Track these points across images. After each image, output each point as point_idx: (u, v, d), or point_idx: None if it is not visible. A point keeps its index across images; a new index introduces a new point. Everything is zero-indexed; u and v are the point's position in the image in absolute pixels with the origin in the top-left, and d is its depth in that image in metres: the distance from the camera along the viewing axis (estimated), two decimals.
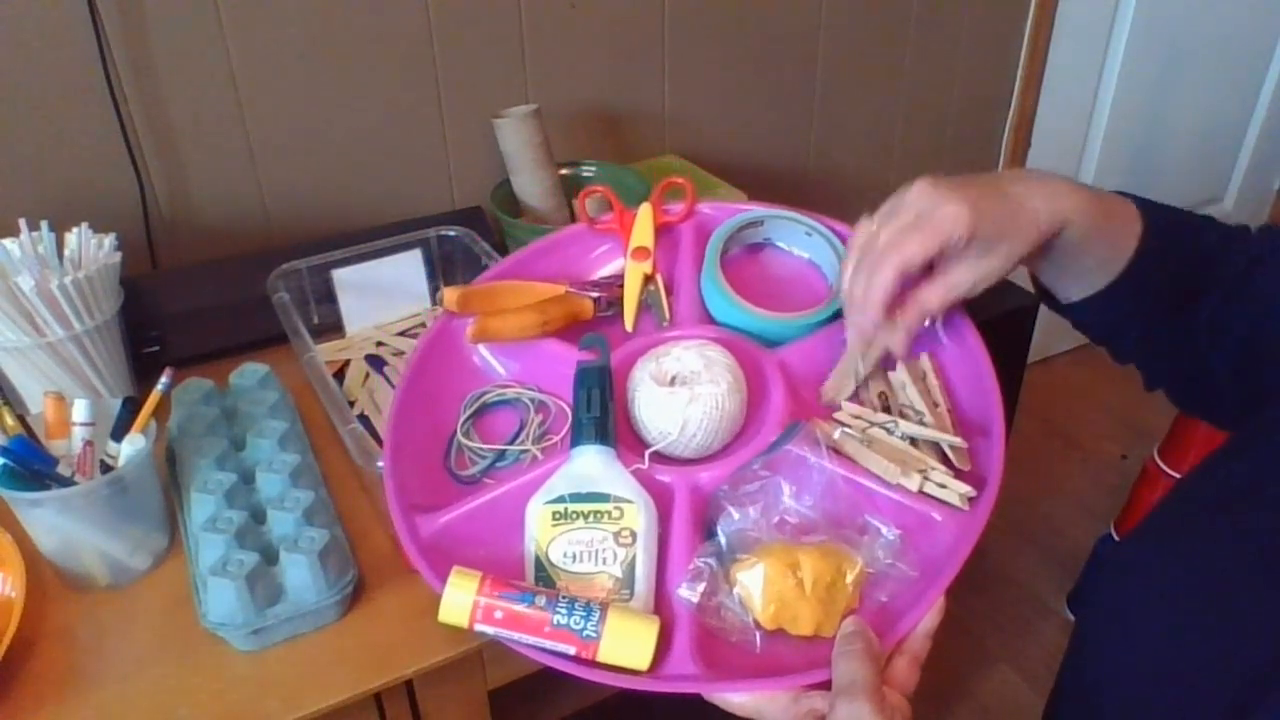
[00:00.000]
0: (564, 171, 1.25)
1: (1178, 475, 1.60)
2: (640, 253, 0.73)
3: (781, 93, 1.56)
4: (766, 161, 1.61)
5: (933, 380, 0.65)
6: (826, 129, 1.63)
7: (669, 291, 0.72)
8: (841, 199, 1.72)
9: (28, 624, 0.72)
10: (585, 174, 1.29)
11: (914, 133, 1.75)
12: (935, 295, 0.59)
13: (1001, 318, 1.58)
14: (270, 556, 0.74)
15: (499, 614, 0.52)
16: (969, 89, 1.77)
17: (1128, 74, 1.97)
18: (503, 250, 1.15)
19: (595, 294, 0.71)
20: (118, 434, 0.77)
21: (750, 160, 1.58)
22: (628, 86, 1.40)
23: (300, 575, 0.72)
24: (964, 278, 0.58)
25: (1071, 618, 1.77)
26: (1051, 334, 2.12)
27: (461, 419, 0.67)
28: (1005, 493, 0.58)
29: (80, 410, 0.77)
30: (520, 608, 0.52)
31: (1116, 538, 1.73)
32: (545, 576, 0.56)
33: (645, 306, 0.72)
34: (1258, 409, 0.59)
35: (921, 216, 0.56)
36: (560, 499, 0.57)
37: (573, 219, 1.18)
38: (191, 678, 0.71)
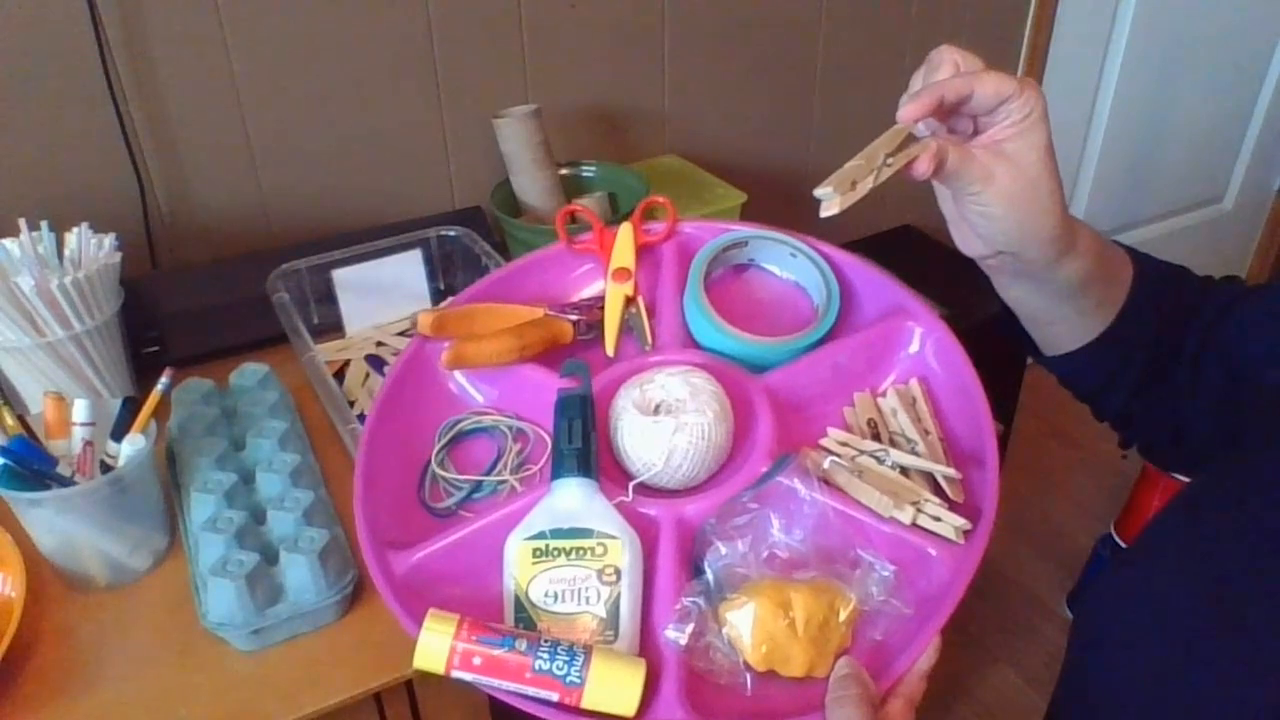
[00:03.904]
0: (564, 171, 1.25)
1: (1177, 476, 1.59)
2: (621, 274, 0.70)
3: (781, 93, 1.56)
4: (766, 161, 1.61)
5: (922, 406, 0.63)
6: (826, 129, 1.63)
7: (651, 314, 0.69)
8: None
9: (28, 624, 0.72)
10: (585, 174, 1.29)
11: None
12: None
13: (1001, 317, 1.56)
14: (270, 556, 0.74)
15: (477, 660, 0.49)
16: None
17: (1128, 74, 1.97)
18: (503, 250, 1.15)
19: (575, 316, 0.68)
20: (118, 434, 0.77)
21: (750, 160, 1.57)
22: (628, 86, 1.40)
23: (300, 575, 0.72)
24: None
25: (1071, 618, 1.77)
26: None
27: (436, 448, 0.64)
28: (1005, 493, 0.57)
29: (80, 410, 0.77)
30: (500, 653, 0.49)
31: (1116, 538, 1.73)
32: (525, 617, 0.53)
33: (626, 330, 0.69)
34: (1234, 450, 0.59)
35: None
36: (541, 535, 0.54)
37: None
38: (191, 678, 0.71)
